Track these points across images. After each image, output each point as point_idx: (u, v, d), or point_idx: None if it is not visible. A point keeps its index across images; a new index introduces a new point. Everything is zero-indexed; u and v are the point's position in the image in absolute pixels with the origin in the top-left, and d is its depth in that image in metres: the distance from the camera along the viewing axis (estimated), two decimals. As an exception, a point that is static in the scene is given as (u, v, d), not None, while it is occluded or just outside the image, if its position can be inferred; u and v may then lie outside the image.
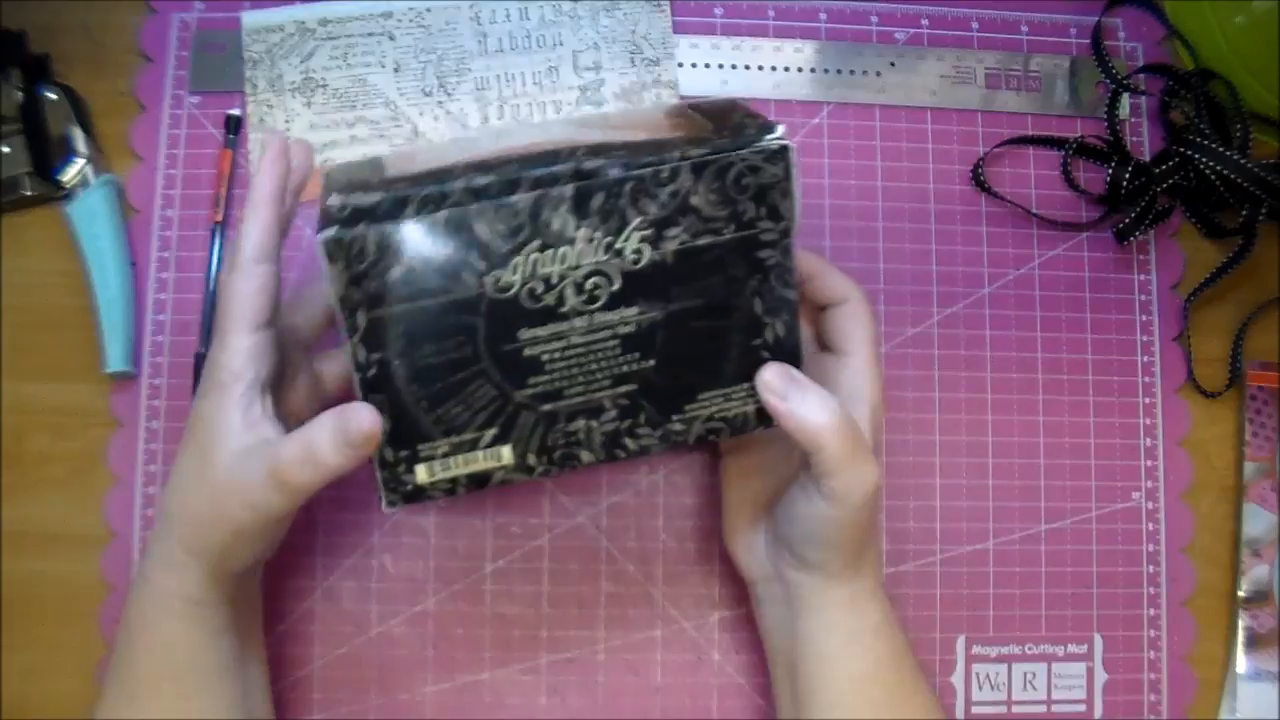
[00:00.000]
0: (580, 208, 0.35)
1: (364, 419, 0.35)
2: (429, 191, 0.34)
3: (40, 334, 0.49)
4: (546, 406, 0.37)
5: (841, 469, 0.37)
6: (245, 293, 0.36)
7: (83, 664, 0.47)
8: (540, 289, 0.36)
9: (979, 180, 0.53)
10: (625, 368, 0.37)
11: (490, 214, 0.34)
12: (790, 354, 0.38)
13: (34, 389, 0.49)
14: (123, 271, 0.48)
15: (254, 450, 0.36)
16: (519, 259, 0.35)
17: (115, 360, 0.48)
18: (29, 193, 0.48)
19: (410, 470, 0.37)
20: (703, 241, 0.36)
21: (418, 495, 0.37)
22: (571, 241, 0.35)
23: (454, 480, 0.37)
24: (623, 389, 0.37)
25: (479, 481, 0.38)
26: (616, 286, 0.36)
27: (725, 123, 0.37)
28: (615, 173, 0.35)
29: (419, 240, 0.34)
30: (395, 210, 0.34)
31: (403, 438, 0.37)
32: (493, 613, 0.49)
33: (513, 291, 0.35)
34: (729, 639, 0.49)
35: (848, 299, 0.42)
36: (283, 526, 0.39)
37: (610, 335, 0.36)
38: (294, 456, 0.35)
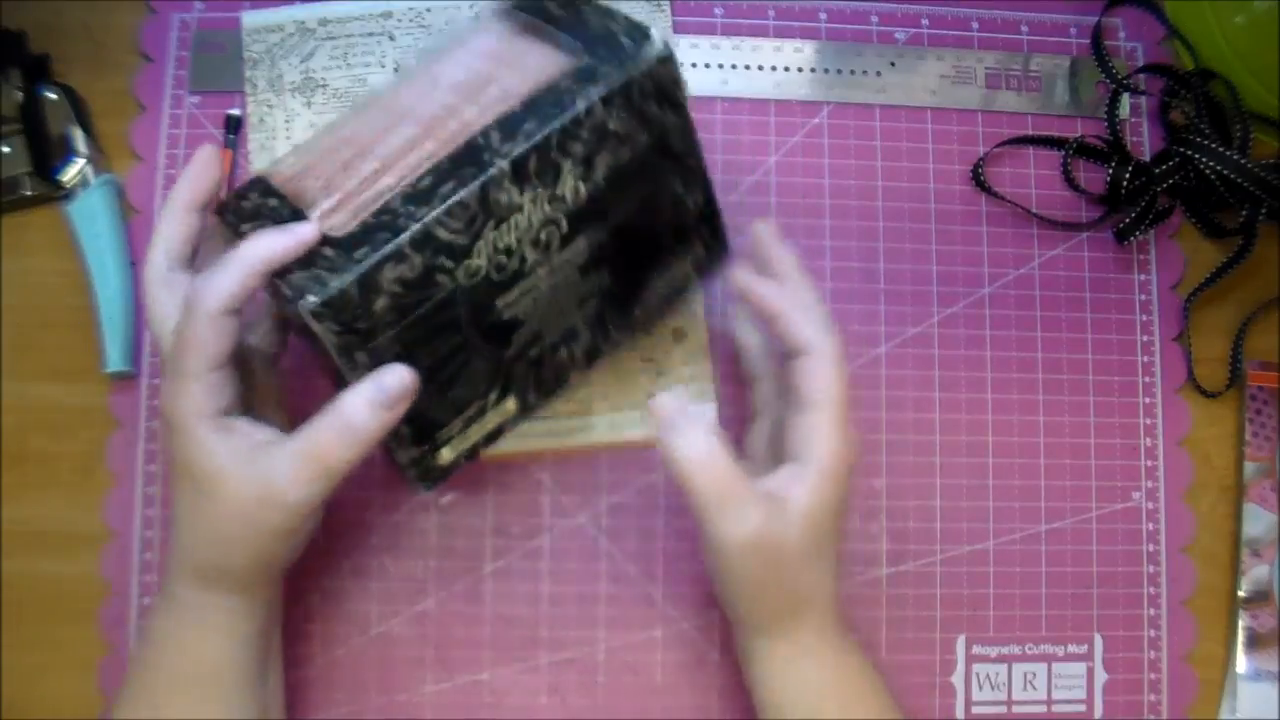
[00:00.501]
0: (519, 176, 0.36)
1: (401, 374, 0.35)
2: (393, 248, 0.35)
3: (40, 334, 0.49)
4: (534, 351, 0.40)
5: (708, 514, 0.36)
6: (204, 339, 0.35)
7: (83, 664, 0.47)
8: (504, 260, 0.37)
9: (979, 180, 0.53)
10: (586, 288, 0.40)
11: (446, 218, 0.35)
12: (713, 218, 0.43)
13: (34, 389, 0.49)
14: (123, 271, 0.48)
15: (264, 454, 0.35)
16: (480, 243, 0.36)
17: (115, 360, 0.48)
18: (29, 193, 0.48)
19: (435, 456, 0.40)
20: (625, 157, 0.38)
21: (447, 473, 0.41)
22: (520, 208, 0.37)
23: (473, 446, 0.41)
24: (588, 307, 0.40)
25: (492, 437, 0.41)
26: (565, 228, 0.38)
27: (581, 27, 0.38)
28: (539, 135, 0.36)
29: (393, 268, 0.35)
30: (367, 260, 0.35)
31: (423, 434, 0.39)
32: (493, 613, 0.49)
33: (482, 273, 0.37)
34: (729, 639, 0.49)
35: (810, 351, 0.39)
36: (317, 517, 0.39)
37: (570, 269, 0.39)
38: (331, 435, 0.35)
